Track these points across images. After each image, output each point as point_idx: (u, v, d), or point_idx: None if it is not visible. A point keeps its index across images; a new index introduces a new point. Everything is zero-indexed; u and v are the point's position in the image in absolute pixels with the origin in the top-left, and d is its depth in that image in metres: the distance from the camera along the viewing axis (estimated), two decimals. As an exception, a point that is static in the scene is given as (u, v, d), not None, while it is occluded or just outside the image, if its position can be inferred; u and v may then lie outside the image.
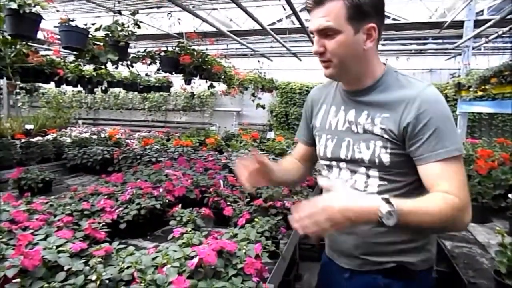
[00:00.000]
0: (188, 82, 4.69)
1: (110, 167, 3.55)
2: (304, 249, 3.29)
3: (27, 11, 1.87)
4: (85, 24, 2.42)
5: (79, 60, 2.53)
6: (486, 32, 5.25)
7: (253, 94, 6.67)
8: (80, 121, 9.10)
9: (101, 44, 2.53)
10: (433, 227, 1.00)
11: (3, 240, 1.30)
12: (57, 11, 2.71)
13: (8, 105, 8.08)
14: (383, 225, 0.89)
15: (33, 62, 2.50)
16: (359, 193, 1.12)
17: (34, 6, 1.90)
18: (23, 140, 4.65)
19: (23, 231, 1.40)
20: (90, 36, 2.49)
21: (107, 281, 1.11)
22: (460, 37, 5.74)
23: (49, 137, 5.46)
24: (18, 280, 1.07)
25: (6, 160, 3.49)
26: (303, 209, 0.92)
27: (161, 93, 8.52)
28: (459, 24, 5.57)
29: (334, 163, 1.23)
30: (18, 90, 7.83)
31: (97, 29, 2.54)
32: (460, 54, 6.31)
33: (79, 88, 5.22)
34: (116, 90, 9.70)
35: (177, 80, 6.08)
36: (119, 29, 2.62)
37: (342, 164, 1.20)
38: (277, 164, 1.37)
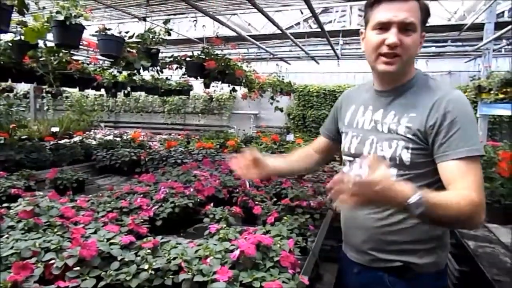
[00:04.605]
0: (207, 86, 4.80)
1: (138, 168, 3.68)
2: (325, 250, 3.32)
3: (73, 22, 2.02)
4: (119, 32, 2.57)
5: (114, 66, 2.67)
6: (507, 34, 5.21)
7: (272, 98, 6.76)
8: (102, 124, 9.33)
9: (134, 51, 2.67)
10: (451, 221, 1.03)
11: (59, 233, 1.42)
12: (98, 21, 2.87)
13: (34, 108, 8.36)
14: (409, 212, 0.93)
15: (73, 69, 2.67)
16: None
17: (78, 17, 2.05)
18: (52, 142, 4.85)
19: (75, 225, 1.52)
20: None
21: (152, 271, 1.20)
22: (480, 39, 5.69)
23: (76, 139, 5.67)
24: (78, 268, 1.18)
25: (40, 161, 3.67)
26: (351, 180, 0.89)
27: (181, 96, 8.68)
28: (479, 26, 5.53)
29: (357, 159, 1.22)
30: (44, 94, 8.12)
31: (130, 37, 2.68)
32: (480, 56, 6.26)
33: (101, 91, 5.38)
34: (137, 93, 9.92)
35: (196, 84, 6.23)
36: (151, 36, 2.76)
37: None
38: (282, 158, 1.59)
